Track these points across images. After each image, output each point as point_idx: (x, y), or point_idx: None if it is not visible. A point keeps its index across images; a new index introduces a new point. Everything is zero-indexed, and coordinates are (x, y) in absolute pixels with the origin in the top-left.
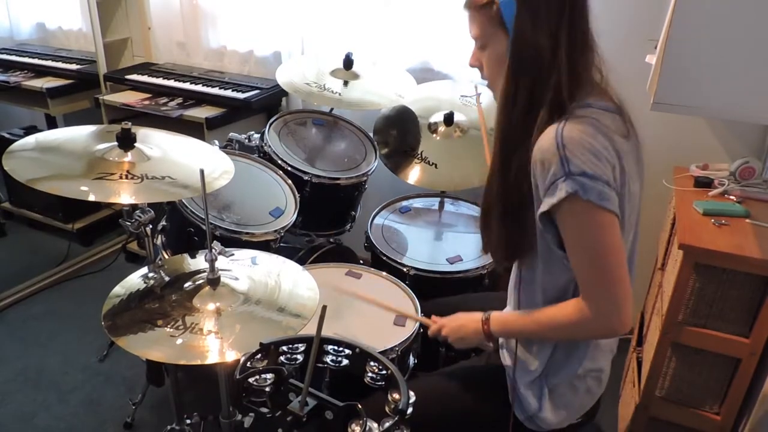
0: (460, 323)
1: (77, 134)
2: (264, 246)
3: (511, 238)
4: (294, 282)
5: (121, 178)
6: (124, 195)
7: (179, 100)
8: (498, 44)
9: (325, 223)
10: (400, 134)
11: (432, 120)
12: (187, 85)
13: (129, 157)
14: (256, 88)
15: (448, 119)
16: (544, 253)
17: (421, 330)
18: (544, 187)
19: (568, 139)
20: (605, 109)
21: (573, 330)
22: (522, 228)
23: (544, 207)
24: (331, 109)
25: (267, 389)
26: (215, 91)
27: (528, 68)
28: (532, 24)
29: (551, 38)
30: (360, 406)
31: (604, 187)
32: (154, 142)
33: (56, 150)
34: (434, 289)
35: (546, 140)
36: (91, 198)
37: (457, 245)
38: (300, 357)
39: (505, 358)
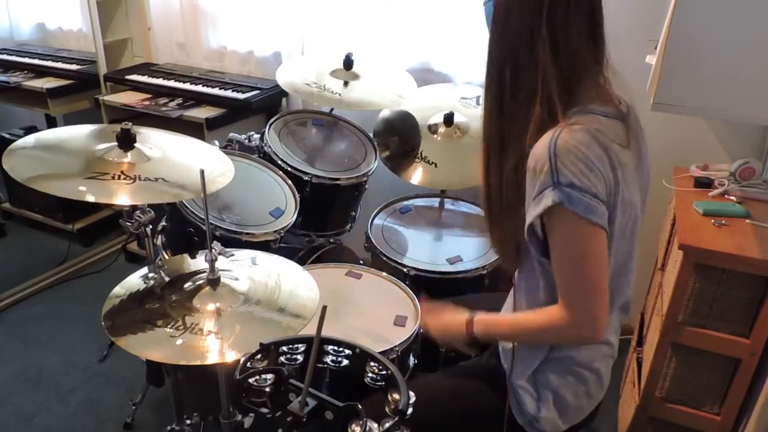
0: (444, 326)
1: (77, 133)
2: (264, 246)
3: (510, 239)
4: (294, 282)
5: (119, 178)
6: (123, 196)
7: (179, 100)
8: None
9: (325, 224)
10: (400, 139)
11: (432, 121)
12: (187, 86)
13: (129, 157)
14: (256, 88)
15: (448, 120)
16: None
17: (421, 330)
18: (532, 195)
19: (561, 147)
20: (606, 115)
21: (549, 335)
22: (519, 229)
23: (529, 218)
24: (331, 110)
25: (267, 389)
26: (215, 91)
27: (505, 57)
28: (507, 13)
29: (527, 29)
30: (360, 407)
31: (591, 200)
32: (154, 142)
33: (56, 149)
34: (434, 290)
35: (540, 148)
36: (90, 198)
37: (457, 245)
38: (300, 357)
39: (503, 360)
